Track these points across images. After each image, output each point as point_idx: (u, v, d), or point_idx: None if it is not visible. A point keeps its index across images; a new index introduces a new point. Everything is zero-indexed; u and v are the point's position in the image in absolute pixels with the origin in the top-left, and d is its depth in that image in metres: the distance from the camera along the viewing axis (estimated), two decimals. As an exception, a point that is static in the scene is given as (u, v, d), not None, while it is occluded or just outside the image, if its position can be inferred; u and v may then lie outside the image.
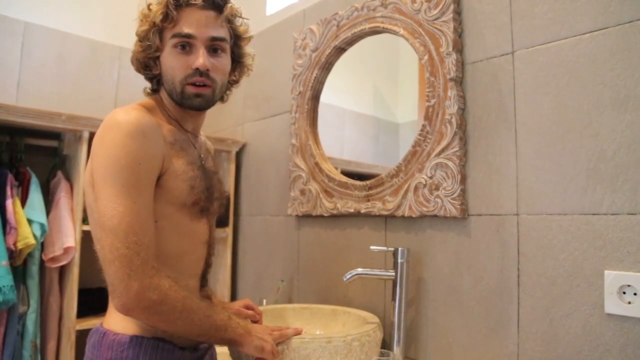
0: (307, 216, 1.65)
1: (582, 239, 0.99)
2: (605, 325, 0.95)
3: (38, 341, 1.59)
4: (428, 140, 1.28)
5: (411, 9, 1.36)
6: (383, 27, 1.45)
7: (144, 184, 0.87)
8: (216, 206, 1.07)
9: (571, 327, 0.99)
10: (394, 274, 1.25)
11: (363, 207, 1.42)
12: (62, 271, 1.68)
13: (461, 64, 1.26)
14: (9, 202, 1.52)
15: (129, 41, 2.23)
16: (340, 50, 1.62)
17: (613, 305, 0.94)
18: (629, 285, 0.92)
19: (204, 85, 0.98)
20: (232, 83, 1.12)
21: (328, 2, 1.70)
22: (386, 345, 1.27)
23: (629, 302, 0.92)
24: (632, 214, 0.93)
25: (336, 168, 1.59)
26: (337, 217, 1.54)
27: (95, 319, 1.65)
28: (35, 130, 1.69)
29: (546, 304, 1.04)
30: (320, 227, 1.61)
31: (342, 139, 1.70)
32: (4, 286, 1.42)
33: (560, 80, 1.06)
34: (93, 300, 1.74)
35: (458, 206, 1.20)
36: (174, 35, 0.97)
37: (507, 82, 1.16)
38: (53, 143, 1.80)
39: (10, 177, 1.57)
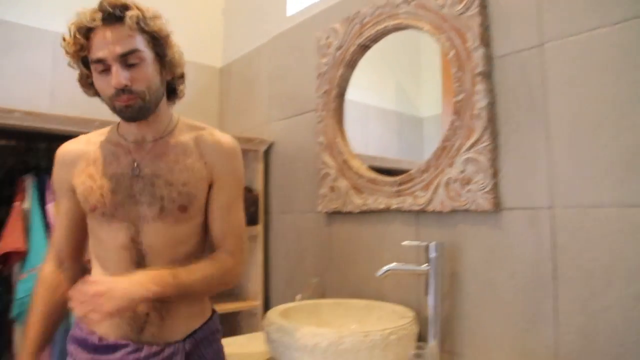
0: (337, 213, 1.67)
1: (620, 231, 0.99)
2: (645, 316, 0.95)
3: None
4: (458, 135, 1.29)
5: (435, 4, 1.36)
6: (407, 24, 1.46)
7: (59, 199, 1.16)
8: (143, 210, 1.06)
9: (612, 320, 1.00)
10: (427, 268, 1.26)
11: (394, 203, 1.43)
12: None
13: (489, 58, 1.26)
14: (50, 206, 1.58)
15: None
16: (364, 47, 1.63)
17: (652, 295, 0.94)
18: (668, 276, 0.92)
19: (130, 99, 1.01)
20: (171, 82, 1.12)
21: (349, 1, 1.71)
22: (422, 339, 1.28)
23: (669, 293, 0.92)
24: (669, 204, 0.93)
25: (362, 164, 1.61)
26: (367, 213, 1.56)
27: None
28: (70, 136, 1.74)
29: (585, 296, 1.04)
30: (350, 223, 1.63)
31: (366, 135, 1.71)
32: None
33: (592, 72, 1.05)
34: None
35: (490, 200, 1.20)
36: (91, 61, 1.01)
37: (537, 75, 1.16)
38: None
39: (49, 182, 1.62)
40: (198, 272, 1.04)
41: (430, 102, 1.54)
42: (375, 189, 1.50)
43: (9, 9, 1.94)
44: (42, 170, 1.70)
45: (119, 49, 0.98)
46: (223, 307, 1.91)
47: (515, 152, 1.19)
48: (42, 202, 1.60)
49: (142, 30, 1.01)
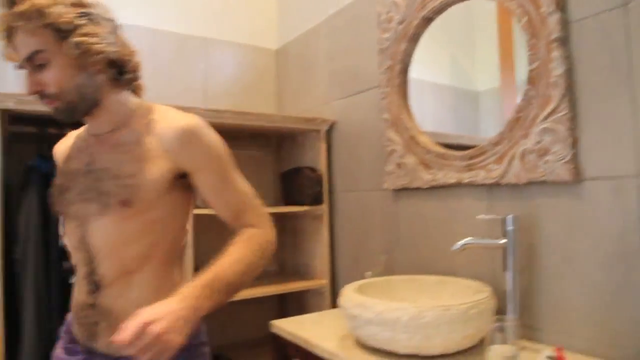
0: (404, 189, 1.67)
1: None
2: None
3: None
4: (533, 105, 1.25)
5: (506, -30, 1.31)
6: (475, -8, 1.41)
7: None
8: (90, 207, 0.96)
9: None
10: (504, 241, 1.24)
11: (465, 177, 1.41)
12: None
13: (565, 23, 1.21)
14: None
15: (212, 32, 2.31)
16: (427, 20, 1.60)
17: None
18: None
19: (51, 102, 0.95)
20: (118, 69, 1.00)
21: (411, -28, 1.68)
22: (499, 314, 1.27)
23: None
24: None
25: (429, 139, 1.59)
26: (436, 189, 1.55)
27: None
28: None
29: (678, 266, 1.00)
30: (418, 199, 1.62)
31: (422, 111, 1.68)
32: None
33: (684, 30, 0.99)
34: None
35: (570, 170, 1.17)
36: None
37: (619, 38, 1.10)
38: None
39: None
40: (237, 259, 0.93)
41: (486, 75, 1.50)
42: (445, 163, 1.49)
43: None
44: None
45: (23, 52, 0.90)
46: (290, 287, 1.95)
47: (597, 119, 1.15)
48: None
49: (45, 26, 0.88)
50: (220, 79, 2.37)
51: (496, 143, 1.33)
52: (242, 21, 2.47)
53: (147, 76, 2.11)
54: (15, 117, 1.57)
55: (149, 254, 0.98)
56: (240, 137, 2.29)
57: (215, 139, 1.02)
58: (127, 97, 1.04)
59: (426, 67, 1.67)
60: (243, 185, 1.05)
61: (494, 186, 1.37)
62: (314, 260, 2.11)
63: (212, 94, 2.33)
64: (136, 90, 1.09)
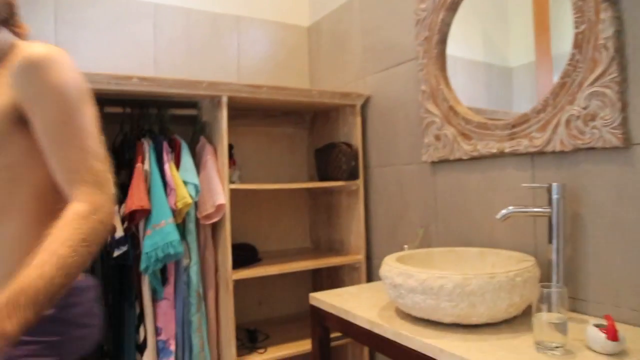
0: (443, 161, 1.64)
1: None
2: None
3: (201, 290, 1.76)
4: (579, 70, 1.21)
5: None
6: (517, -44, 1.37)
7: None
8: None
9: None
10: (549, 210, 1.22)
11: (507, 147, 1.39)
12: (215, 227, 1.84)
13: (615, -18, 1.16)
14: (166, 167, 1.68)
15: (245, 9, 2.31)
16: (468, -13, 1.56)
17: None
18: None
19: None
20: None
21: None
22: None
23: None
24: None
25: (469, 109, 1.56)
26: (477, 160, 1.52)
27: (246, 270, 1.79)
28: (177, 101, 1.83)
29: None
30: (458, 171, 1.60)
31: (455, 88, 1.65)
32: (173, 240, 1.59)
33: None
34: (241, 254, 1.91)
35: (620, 136, 1.13)
36: None
37: (675, -5, 1.05)
38: (192, 112, 1.94)
39: (165, 145, 1.72)
40: (47, 261, 0.77)
41: (520, 50, 1.46)
42: (485, 134, 1.46)
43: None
44: (156, 134, 1.80)
45: None
46: (325, 262, 1.96)
47: (649, 82, 1.10)
48: (160, 163, 1.70)
49: None
50: (253, 56, 2.37)
51: (540, 110, 1.30)
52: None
53: (182, 55, 2.16)
54: None
55: (5, 206, 0.87)
56: (273, 114, 2.30)
57: (67, 77, 0.86)
58: (4, 36, 0.91)
59: (459, 43, 1.64)
60: (90, 142, 0.87)
61: (537, 154, 1.34)
62: (349, 236, 2.11)
63: (246, 72, 2.34)
64: (18, 32, 0.97)
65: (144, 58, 2.10)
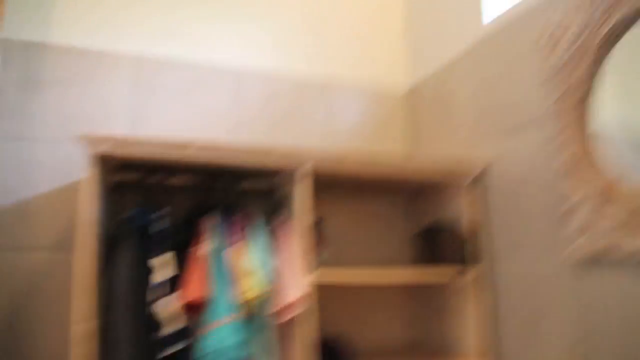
0: (597, 260, 1.19)
1: None
2: None
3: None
4: None
5: None
6: None
7: None
8: None
9: None
10: None
11: None
12: (296, 321, 1.48)
13: None
14: (232, 249, 1.39)
15: (332, 76, 2.04)
16: (626, 25, 1.18)
17: None
18: None
19: None
20: None
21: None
22: None
23: None
24: None
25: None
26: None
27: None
28: (251, 171, 1.57)
29: None
30: (620, 275, 1.14)
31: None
32: (230, 345, 1.27)
33: None
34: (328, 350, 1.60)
35: None
36: None
37: None
38: (269, 183, 1.67)
39: (235, 222, 1.46)
40: None
41: None
42: (667, 224, 1.01)
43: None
44: (228, 208, 1.54)
45: None
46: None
47: None
48: (226, 244, 1.42)
49: None
50: (340, 126, 2.09)
51: None
52: (365, 63, 2.20)
53: (263, 124, 1.92)
54: (120, 165, 1.41)
55: None
56: (364, 189, 1.97)
57: None
58: None
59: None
60: None
61: None
62: (461, 337, 1.66)
63: (332, 142, 2.05)
64: None
65: (220, 126, 1.89)
